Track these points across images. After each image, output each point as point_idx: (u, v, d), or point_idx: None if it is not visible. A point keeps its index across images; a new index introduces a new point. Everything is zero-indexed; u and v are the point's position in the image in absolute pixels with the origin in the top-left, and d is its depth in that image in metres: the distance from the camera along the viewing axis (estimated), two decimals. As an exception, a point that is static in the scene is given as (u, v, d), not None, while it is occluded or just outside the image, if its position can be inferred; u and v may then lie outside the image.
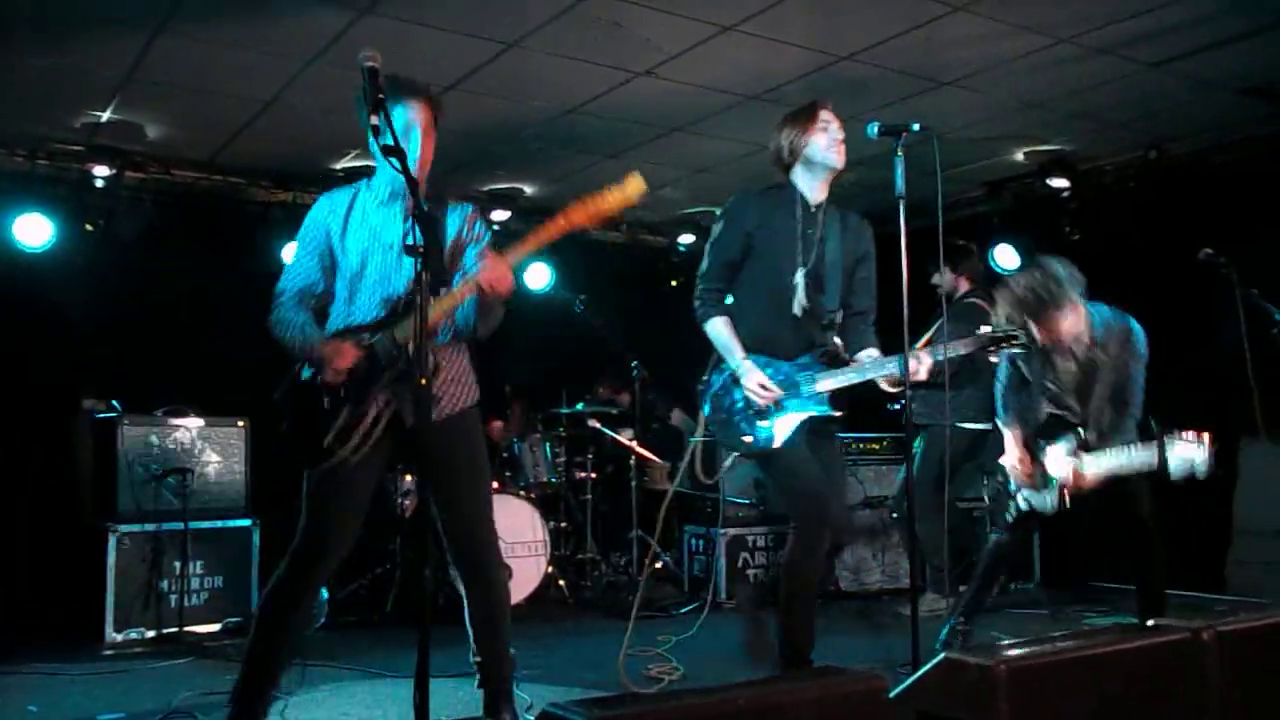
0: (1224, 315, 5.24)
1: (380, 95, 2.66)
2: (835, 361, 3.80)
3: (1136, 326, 4.57)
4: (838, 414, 3.80)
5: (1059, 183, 6.67)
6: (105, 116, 5.72)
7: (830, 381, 3.74)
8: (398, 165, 2.69)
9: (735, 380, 3.78)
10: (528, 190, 7.38)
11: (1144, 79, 5.33)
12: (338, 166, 6.62)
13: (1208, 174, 6.27)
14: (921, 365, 3.58)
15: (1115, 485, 4.44)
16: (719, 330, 3.82)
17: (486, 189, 7.24)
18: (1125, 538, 4.50)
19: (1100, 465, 4.29)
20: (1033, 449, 4.49)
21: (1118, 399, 4.49)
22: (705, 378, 3.92)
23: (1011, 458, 4.53)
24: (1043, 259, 4.24)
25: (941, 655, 2.31)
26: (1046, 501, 4.44)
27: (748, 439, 3.79)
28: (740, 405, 3.78)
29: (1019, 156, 6.68)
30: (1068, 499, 4.38)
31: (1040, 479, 4.42)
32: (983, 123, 5.98)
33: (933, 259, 5.49)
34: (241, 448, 5.65)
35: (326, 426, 3.19)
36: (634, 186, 3.04)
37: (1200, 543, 5.49)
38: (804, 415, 3.74)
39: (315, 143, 6.23)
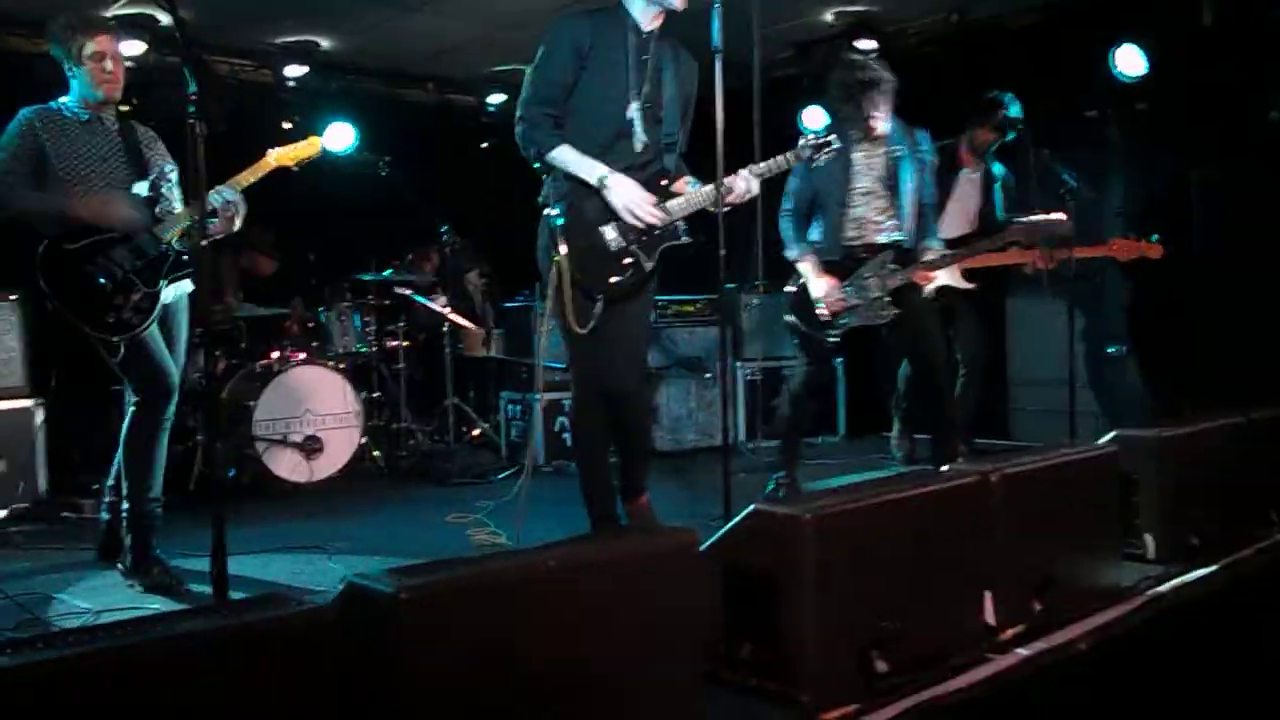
0: (1018, 175, 5.48)
1: None
2: (671, 186, 3.63)
3: (922, 132, 4.69)
4: (689, 240, 3.62)
5: (866, 45, 6.73)
6: None
7: (684, 206, 3.56)
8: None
9: (594, 209, 3.50)
10: (324, 44, 6.92)
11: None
12: (109, 14, 6.00)
13: (1005, 37, 6.45)
14: (752, 183, 3.55)
15: (909, 326, 4.55)
16: (565, 156, 3.51)
17: (277, 41, 6.76)
18: (920, 386, 4.68)
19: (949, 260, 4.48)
20: (843, 274, 4.52)
21: (919, 202, 4.59)
22: (548, 212, 3.58)
23: (819, 288, 4.49)
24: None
25: (750, 507, 2.38)
26: (881, 314, 4.48)
27: (615, 280, 3.55)
28: (608, 238, 3.52)
29: (828, 17, 6.70)
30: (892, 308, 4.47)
31: (864, 300, 4.48)
32: (793, -19, 5.94)
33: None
34: (16, 323, 5.19)
35: None
36: (311, 147, 3.83)
37: (985, 393, 5.83)
38: (663, 245, 3.57)
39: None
